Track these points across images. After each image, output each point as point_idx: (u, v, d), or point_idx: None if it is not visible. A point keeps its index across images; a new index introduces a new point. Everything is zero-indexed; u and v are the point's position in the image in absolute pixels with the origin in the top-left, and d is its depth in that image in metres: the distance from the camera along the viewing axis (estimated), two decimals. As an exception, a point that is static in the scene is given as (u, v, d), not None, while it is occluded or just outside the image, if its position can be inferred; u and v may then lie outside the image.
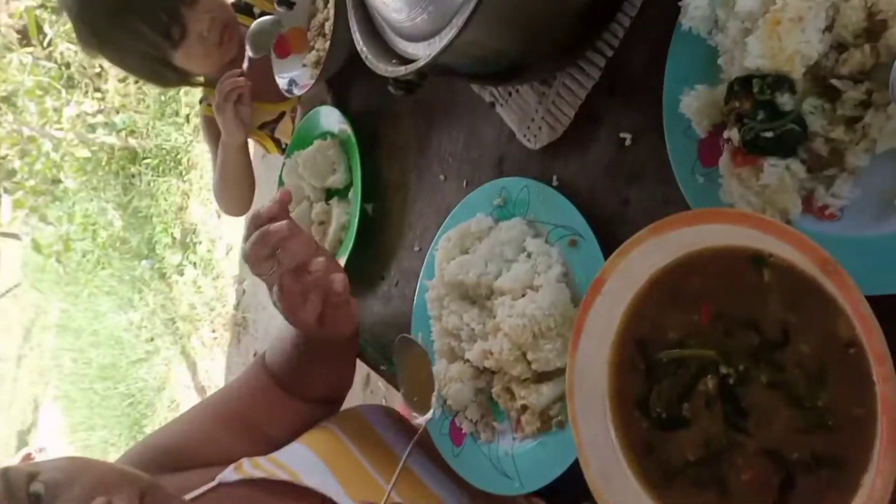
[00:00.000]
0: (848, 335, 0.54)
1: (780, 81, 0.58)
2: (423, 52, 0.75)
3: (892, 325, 0.56)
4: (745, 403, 0.60)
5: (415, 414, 0.93)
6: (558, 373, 0.81)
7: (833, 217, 0.60)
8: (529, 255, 0.85)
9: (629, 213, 0.78)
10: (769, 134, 0.59)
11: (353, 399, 1.11)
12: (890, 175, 0.56)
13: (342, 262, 1.23)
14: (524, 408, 0.84)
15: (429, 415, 0.90)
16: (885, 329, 0.50)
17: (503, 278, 0.85)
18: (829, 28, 0.57)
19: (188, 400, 5.39)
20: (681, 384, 0.65)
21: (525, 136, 0.89)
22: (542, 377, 0.82)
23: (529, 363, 0.81)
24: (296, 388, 1.00)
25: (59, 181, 5.78)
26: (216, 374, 5.04)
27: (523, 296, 0.82)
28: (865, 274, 0.55)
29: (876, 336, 0.49)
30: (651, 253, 0.65)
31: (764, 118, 0.59)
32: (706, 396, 0.63)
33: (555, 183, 0.86)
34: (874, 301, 0.52)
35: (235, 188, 1.72)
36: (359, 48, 0.81)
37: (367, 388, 2.80)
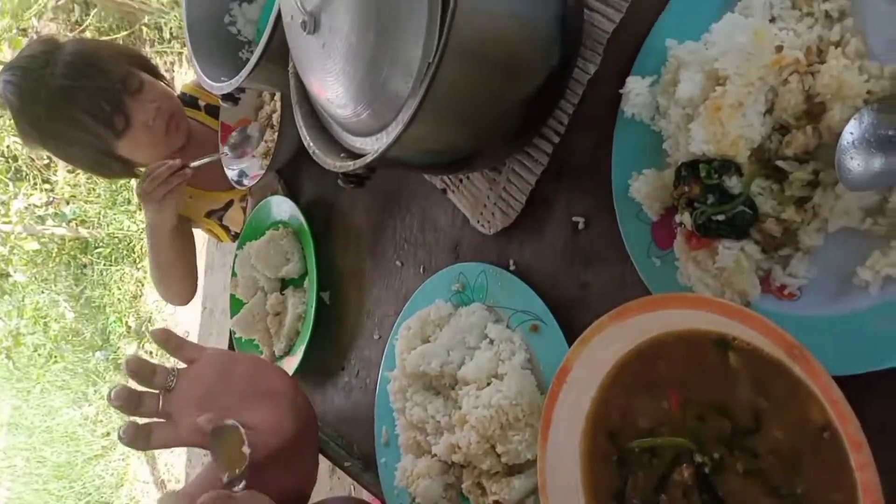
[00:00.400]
0: (821, 419, 0.52)
1: (727, 165, 0.59)
2: (370, 146, 0.74)
3: (862, 406, 0.55)
4: (722, 492, 0.58)
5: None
6: (529, 465, 0.78)
7: (792, 297, 0.59)
8: (492, 342, 0.83)
9: (589, 296, 0.77)
10: (720, 217, 0.59)
11: (321, 485, 1.06)
12: (845, 253, 0.57)
13: (299, 353, 1.19)
14: (496, 503, 0.80)
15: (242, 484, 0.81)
16: (857, 410, 0.49)
17: (467, 367, 0.82)
18: (769, 111, 0.58)
19: (148, 497, 5.16)
20: (656, 474, 0.63)
21: (479, 221, 0.88)
22: (512, 470, 0.79)
23: (499, 456, 0.78)
24: (257, 488, 0.95)
25: (8, 275, 5.62)
26: (177, 467, 4.85)
27: (488, 384, 0.80)
28: (830, 354, 0.54)
29: (850, 422, 0.48)
30: (614, 339, 0.64)
31: (714, 202, 0.60)
32: (683, 486, 0.61)
33: (512, 267, 0.86)
34: (843, 381, 0.51)
35: (172, 275, 1.67)
36: (306, 144, 0.81)
37: (333, 475, 2.71)
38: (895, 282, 0.53)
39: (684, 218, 0.61)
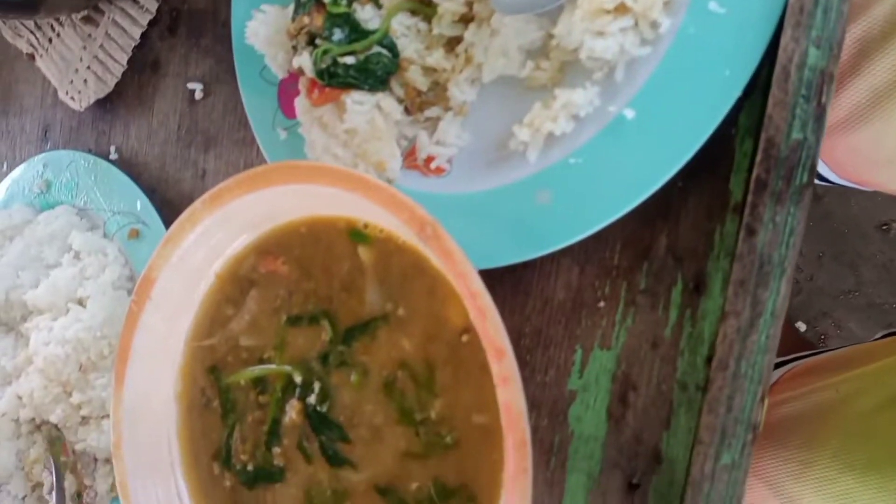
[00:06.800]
0: (461, 321, 0.39)
1: (359, -14, 0.43)
2: None
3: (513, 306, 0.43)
4: (343, 426, 0.43)
5: None
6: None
7: (441, 171, 0.45)
8: (77, 256, 0.60)
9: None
10: (349, 59, 0.43)
11: None
12: (502, 111, 0.43)
13: None
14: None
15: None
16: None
17: (38, 291, 0.59)
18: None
19: None
20: (267, 419, 0.46)
21: (68, 93, 0.64)
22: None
23: (77, 407, 0.56)
24: None
25: None
26: None
27: (68, 313, 0.58)
28: (485, 239, 0.41)
29: (490, 320, 0.35)
30: (214, 233, 0.46)
31: (342, 38, 0.43)
32: (299, 430, 0.45)
33: (113, 156, 0.63)
34: (496, 275, 0.38)
35: None
36: None
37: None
38: (556, 143, 0.40)
39: (303, 60, 0.44)
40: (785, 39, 0.33)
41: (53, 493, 0.59)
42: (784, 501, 0.65)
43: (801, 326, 1.32)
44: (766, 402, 0.39)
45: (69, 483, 0.58)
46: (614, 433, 0.42)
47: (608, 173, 0.38)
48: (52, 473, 0.59)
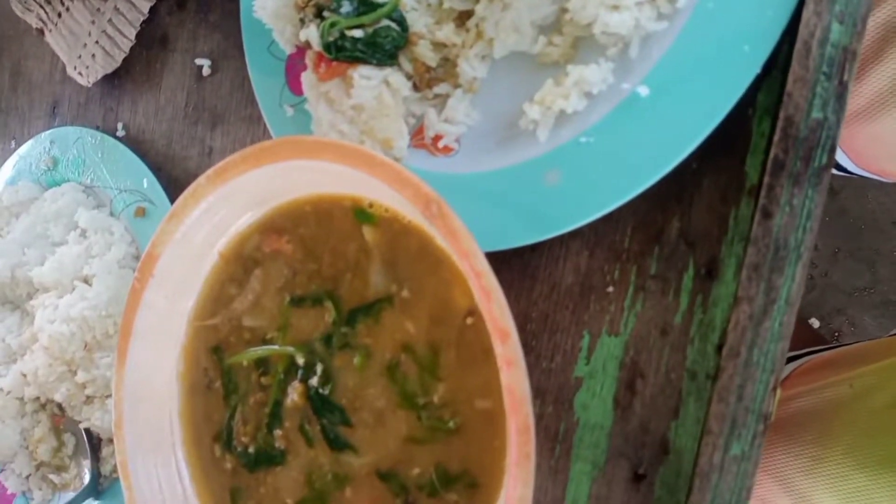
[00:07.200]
0: (466, 303, 0.38)
1: (369, -43, 0.42)
2: None
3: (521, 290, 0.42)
4: (348, 414, 0.42)
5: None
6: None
7: (449, 151, 0.44)
8: (83, 234, 0.60)
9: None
10: (357, 33, 0.42)
11: None
12: (513, 88, 0.42)
13: None
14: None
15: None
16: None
17: (43, 269, 0.59)
18: None
19: None
20: (269, 401, 0.45)
21: (76, 68, 0.64)
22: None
23: (82, 386, 0.56)
24: None
25: None
26: None
27: (74, 291, 0.57)
28: (494, 222, 0.41)
29: (495, 301, 0.34)
30: (218, 210, 0.45)
31: (350, 11, 0.42)
32: (301, 413, 0.44)
33: (120, 132, 0.63)
34: (504, 257, 0.37)
35: None
36: None
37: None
38: (568, 121, 0.39)
39: (309, 33, 0.43)
40: (807, 14, 0.32)
41: (87, 470, 0.59)
42: (794, 498, 0.64)
43: (815, 323, 1.30)
44: (779, 392, 0.38)
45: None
46: (621, 422, 0.41)
47: (620, 153, 0.37)
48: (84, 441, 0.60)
